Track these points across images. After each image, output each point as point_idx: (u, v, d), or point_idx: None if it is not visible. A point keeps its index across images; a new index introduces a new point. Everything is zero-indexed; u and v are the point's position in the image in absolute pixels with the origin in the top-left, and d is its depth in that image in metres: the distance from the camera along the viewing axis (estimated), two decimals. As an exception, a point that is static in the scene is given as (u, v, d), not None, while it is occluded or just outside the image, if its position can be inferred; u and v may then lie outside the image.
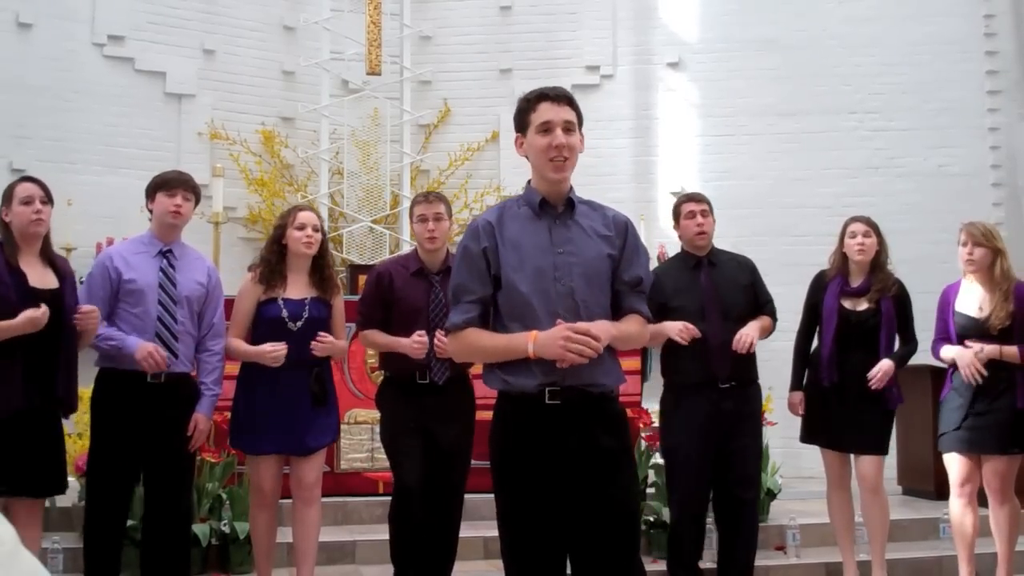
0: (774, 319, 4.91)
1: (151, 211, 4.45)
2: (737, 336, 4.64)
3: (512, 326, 2.85)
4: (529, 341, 2.76)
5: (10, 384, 3.95)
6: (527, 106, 2.95)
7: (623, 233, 2.99)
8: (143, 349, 4.19)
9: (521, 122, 2.97)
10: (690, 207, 4.83)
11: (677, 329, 4.59)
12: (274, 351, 4.38)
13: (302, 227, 4.50)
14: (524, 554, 2.85)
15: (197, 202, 4.55)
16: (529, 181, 3.02)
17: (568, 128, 2.90)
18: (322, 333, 4.46)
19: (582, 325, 2.72)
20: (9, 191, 4.18)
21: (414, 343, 4.45)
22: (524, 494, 2.83)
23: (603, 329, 2.77)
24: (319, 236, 4.55)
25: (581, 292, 2.85)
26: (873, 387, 4.88)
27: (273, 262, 4.54)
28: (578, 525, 2.83)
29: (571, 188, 2.99)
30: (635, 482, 2.99)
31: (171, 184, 4.41)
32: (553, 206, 2.95)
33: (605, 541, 2.83)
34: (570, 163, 2.92)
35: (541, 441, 2.82)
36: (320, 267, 4.59)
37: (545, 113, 2.91)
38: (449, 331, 2.97)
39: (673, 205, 5.00)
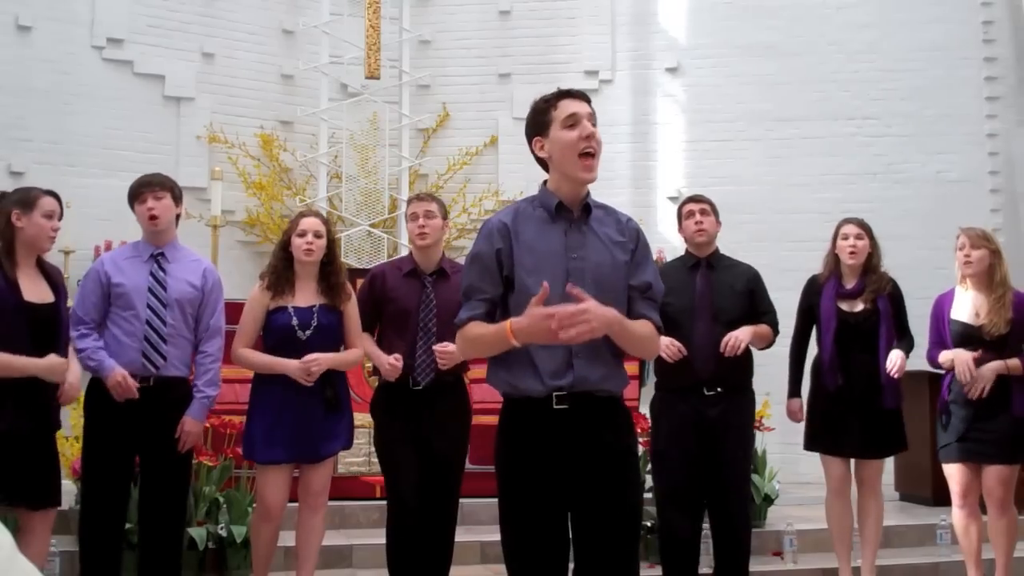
0: (775, 330, 4.81)
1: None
2: (726, 337, 4.58)
3: None
4: (508, 334, 2.68)
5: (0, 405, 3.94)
6: (546, 106, 2.89)
7: (635, 239, 2.96)
8: (113, 377, 4.18)
9: (540, 123, 2.89)
10: (690, 207, 4.83)
11: (664, 344, 4.44)
12: (304, 368, 4.34)
13: (303, 234, 4.47)
14: (529, 557, 2.83)
15: (177, 196, 4.47)
16: (544, 182, 2.96)
17: (592, 123, 2.86)
18: (314, 358, 4.38)
19: (554, 310, 2.60)
20: (31, 200, 4.14)
21: (388, 365, 4.44)
22: (530, 498, 2.81)
23: (603, 313, 2.65)
24: (321, 243, 4.48)
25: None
26: (895, 375, 4.85)
27: (280, 269, 4.51)
28: (583, 526, 2.83)
29: (588, 192, 2.94)
30: (639, 484, 2.98)
31: (140, 190, 4.40)
32: (569, 210, 2.90)
33: (609, 542, 2.83)
34: (598, 159, 2.86)
35: (549, 445, 2.80)
36: (327, 274, 4.54)
37: (569, 107, 2.86)
38: (457, 328, 2.91)
39: (677, 207, 5.00)
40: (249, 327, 4.52)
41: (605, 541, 2.83)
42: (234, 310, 4.73)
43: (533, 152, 2.95)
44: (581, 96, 2.92)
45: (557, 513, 2.81)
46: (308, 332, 4.42)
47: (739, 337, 4.59)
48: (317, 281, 4.53)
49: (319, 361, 4.37)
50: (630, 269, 2.91)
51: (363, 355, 4.68)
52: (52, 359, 4.00)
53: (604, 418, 2.86)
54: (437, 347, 4.42)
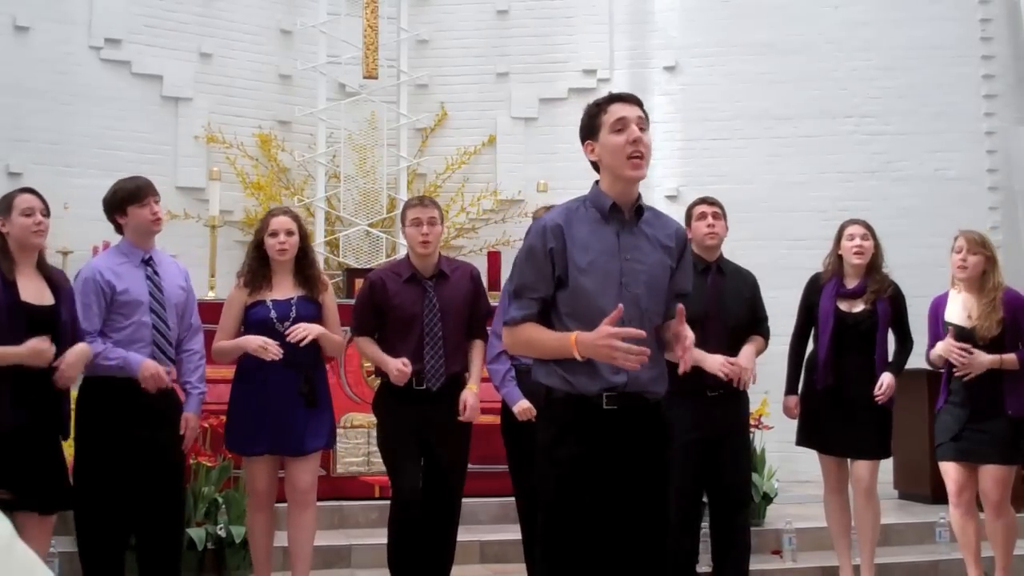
0: (767, 339, 4.85)
1: (120, 225, 4.40)
2: (740, 375, 4.54)
3: (572, 326, 2.87)
4: (572, 345, 2.78)
5: None
6: (596, 110, 2.98)
7: (682, 245, 3.07)
8: (146, 368, 4.17)
9: (590, 127, 2.98)
10: (702, 208, 4.83)
11: (719, 364, 4.46)
12: (262, 343, 4.39)
13: (274, 234, 4.54)
14: (570, 552, 2.84)
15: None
16: (596, 183, 3.03)
17: (641, 126, 2.94)
18: (297, 325, 4.45)
19: (623, 332, 2.72)
20: (8, 202, 4.12)
21: (397, 371, 4.46)
22: (580, 496, 2.84)
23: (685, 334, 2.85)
24: (294, 240, 4.56)
25: (645, 300, 2.89)
26: (880, 402, 4.89)
27: (256, 267, 4.59)
28: (621, 527, 2.86)
29: (639, 195, 3.01)
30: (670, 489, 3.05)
31: (140, 194, 4.36)
32: (622, 211, 2.96)
33: (647, 544, 2.88)
34: (646, 161, 2.93)
35: (598, 445, 2.84)
36: (303, 267, 4.62)
37: (618, 111, 2.93)
38: (507, 324, 2.98)
39: (687, 208, 4.99)
40: (228, 325, 4.59)
41: (644, 544, 2.88)
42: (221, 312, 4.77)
43: (586, 154, 3.03)
44: (631, 100, 2.99)
45: (601, 516, 2.84)
46: (287, 324, 4.48)
47: (749, 370, 4.60)
48: (293, 275, 4.61)
49: (308, 327, 4.43)
50: (674, 274, 3.01)
51: (342, 343, 4.74)
52: (33, 342, 3.89)
53: (649, 423, 2.93)
54: (463, 418, 4.51)
